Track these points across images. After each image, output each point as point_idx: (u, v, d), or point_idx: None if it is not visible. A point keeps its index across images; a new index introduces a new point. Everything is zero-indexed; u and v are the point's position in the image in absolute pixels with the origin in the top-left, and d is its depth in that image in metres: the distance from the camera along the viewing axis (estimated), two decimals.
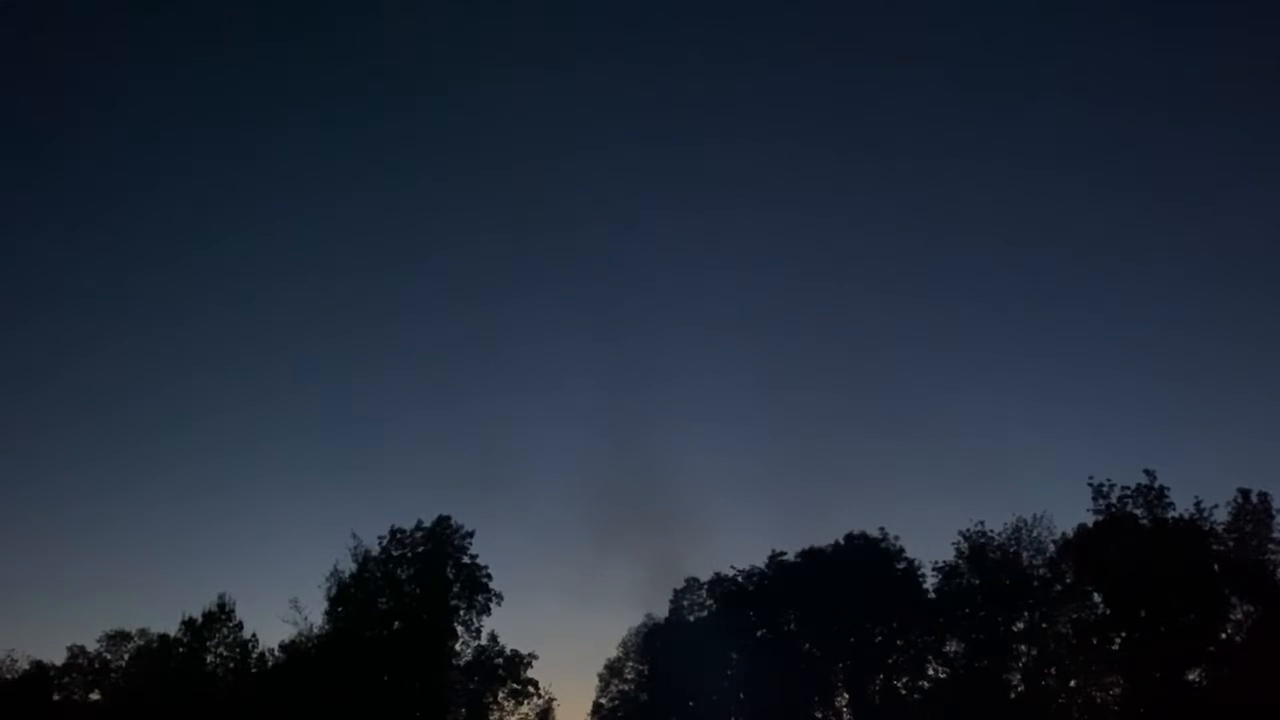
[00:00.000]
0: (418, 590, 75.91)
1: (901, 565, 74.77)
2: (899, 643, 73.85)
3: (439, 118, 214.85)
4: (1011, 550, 71.16)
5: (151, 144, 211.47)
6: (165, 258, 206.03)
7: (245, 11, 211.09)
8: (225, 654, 77.51)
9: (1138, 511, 67.77)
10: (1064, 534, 70.25)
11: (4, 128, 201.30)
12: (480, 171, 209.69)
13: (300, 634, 75.36)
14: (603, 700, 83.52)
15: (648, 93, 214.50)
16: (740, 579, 78.43)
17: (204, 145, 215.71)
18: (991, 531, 71.79)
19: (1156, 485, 67.79)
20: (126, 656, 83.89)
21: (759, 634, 76.07)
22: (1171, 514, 67.22)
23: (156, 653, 79.42)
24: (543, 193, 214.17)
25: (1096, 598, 68.52)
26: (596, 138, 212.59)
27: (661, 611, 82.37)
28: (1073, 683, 69.69)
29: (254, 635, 78.26)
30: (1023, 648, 70.61)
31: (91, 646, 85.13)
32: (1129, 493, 67.85)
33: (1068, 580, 69.40)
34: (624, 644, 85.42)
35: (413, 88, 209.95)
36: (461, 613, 76.52)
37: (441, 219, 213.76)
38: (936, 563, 72.98)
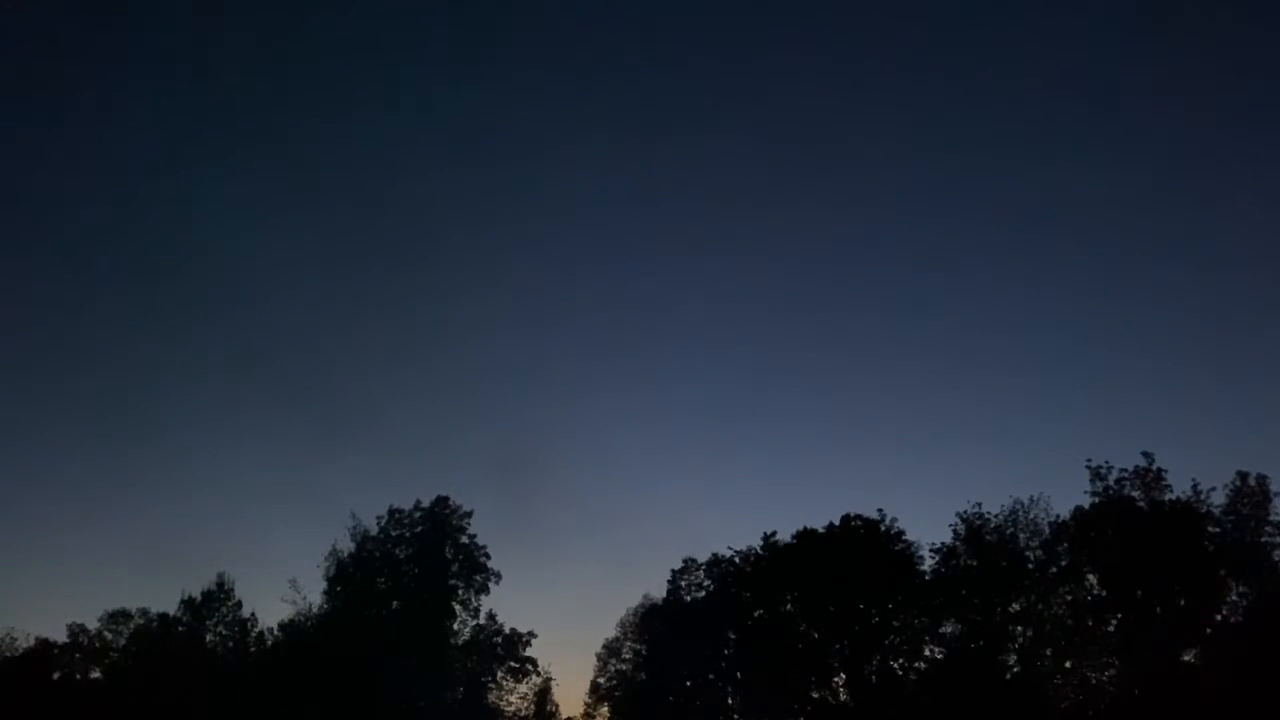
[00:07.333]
0: (416, 570, 76.27)
1: (898, 547, 74.68)
2: (895, 624, 73.82)
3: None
4: (1008, 532, 70.99)
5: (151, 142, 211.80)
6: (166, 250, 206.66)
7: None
8: (224, 633, 78.12)
9: (1135, 494, 67.77)
10: (1058, 516, 70.33)
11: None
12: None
13: (299, 613, 76.01)
14: (600, 680, 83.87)
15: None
16: (737, 560, 78.49)
17: (199, 142, 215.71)
18: (989, 513, 71.62)
19: (1154, 467, 67.87)
20: (127, 635, 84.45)
21: (755, 615, 76.13)
22: (1169, 496, 67.23)
23: (156, 631, 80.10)
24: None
25: (1092, 580, 68.47)
26: None
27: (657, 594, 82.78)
28: (1068, 664, 69.70)
29: (253, 614, 79.06)
30: (1019, 629, 70.56)
31: (92, 625, 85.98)
32: (1126, 475, 67.87)
33: (1064, 562, 69.30)
34: (622, 624, 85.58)
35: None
36: (460, 592, 76.89)
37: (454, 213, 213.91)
38: (933, 544, 72.86)
